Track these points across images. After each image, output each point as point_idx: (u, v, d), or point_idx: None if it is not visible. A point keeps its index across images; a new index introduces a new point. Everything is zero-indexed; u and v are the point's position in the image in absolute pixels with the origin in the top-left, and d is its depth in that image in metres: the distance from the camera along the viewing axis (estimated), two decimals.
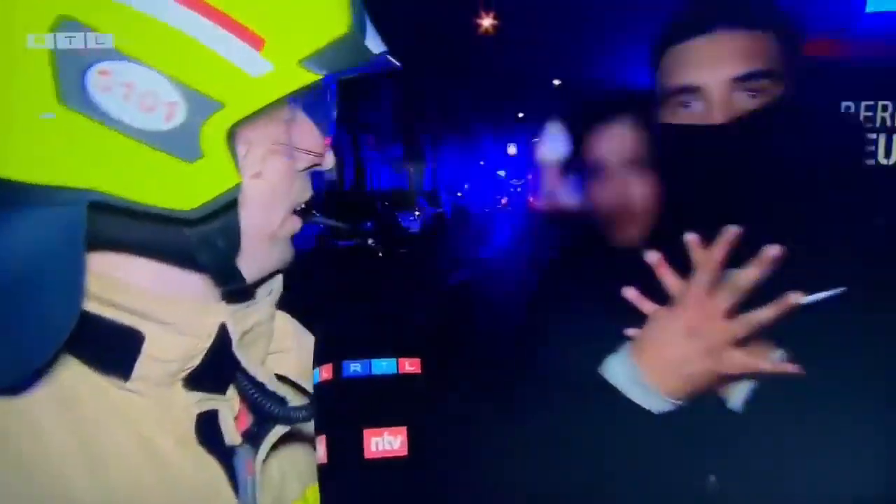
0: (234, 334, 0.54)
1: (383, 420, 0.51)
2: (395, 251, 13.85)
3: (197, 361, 0.53)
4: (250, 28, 0.47)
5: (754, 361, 0.72)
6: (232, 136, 0.48)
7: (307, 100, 0.58)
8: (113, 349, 0.51)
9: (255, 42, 0.47)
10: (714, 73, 0.81)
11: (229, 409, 0.56)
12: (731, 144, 0.78)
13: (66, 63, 0.43)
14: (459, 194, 36.52)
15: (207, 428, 0.54)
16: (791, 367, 0.72)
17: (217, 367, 0.54)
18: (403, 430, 0.51)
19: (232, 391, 0.58)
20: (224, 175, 0.47)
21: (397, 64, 0.58)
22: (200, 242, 0.50)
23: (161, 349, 0.51)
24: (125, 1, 0.45)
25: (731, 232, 0.73)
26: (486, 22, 22.78)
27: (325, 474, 0.52)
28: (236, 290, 0.56)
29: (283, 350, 0.61)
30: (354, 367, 0.52)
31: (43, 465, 0.48)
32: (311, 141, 0.56)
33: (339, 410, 0.52)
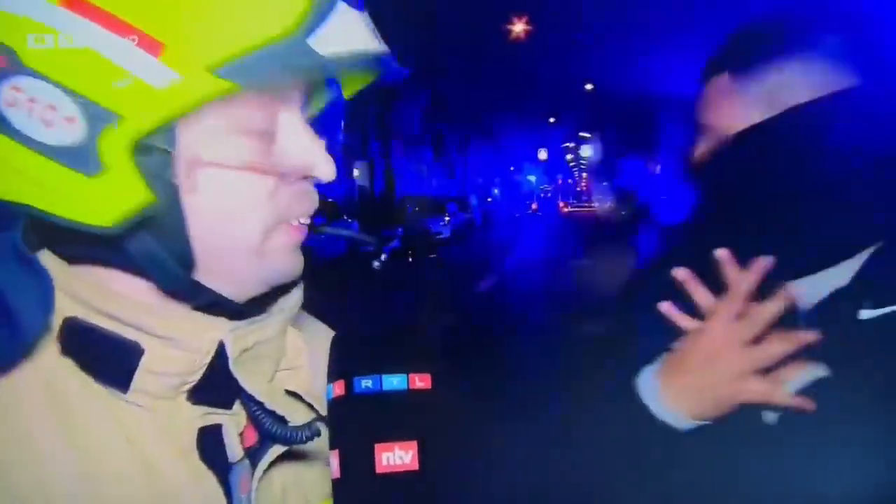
0: (232, 352, 0.53)
1: (394, 435, 0.51)
2: (425, 256, 13.90)
3: (198, 376, 0.52)
4: (146, 32, 0.43)
5: (771, 393, 0.71)
6: (148, 150, 0.46)
7: (306, 108, 0.55)
8: (111, 361, 0.51)
9: (153, 47, 0.43)
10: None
11: (234, 424, 0.55)
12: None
13: None
14: (489, 199, 36.51)
15: (210, 442, 0.54)
16: (806, 403, 0.70)
17: (219, 383, 0.53)
18: (414, 444, 0.51)
19: (239, 406, 0.56)
20: (132, 190, 0.45)
21: (403, 70, 0.54)
22: (145, 259, 0.49)
23: (159, 364, 0.51)
24: (20, 12, 0.43)
25: (766, 261, 0.72)
26: (518, 27, 22.76)
27: (339, 489, 0.52)
28: (240, 307, 0.54)
29: (294, 367, 0.59)
30: (366, 384, 0.52)
31: (29, 469, 0.48)
32: (296, 153, 0.53)
33: (351, 426, 0.52)
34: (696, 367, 0.72)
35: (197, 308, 0.53)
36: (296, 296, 0.60)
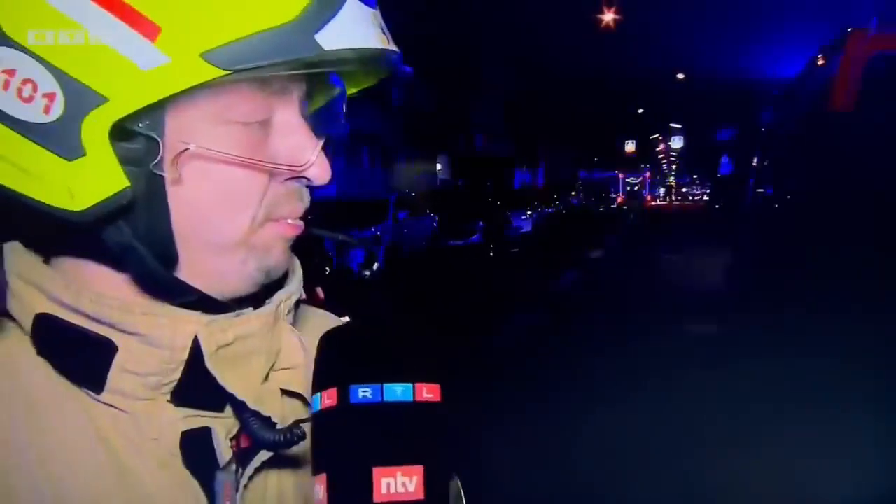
0: (207, 347, 0.49)
1: (396, 457, 0.43)
2: (506, 250, 13.80)
3: (177, 375, 0.49)
4: (144, 14, 0.42)
5: None
6: (133, 135, 0.44)
7: (306, 105, 0.52)
8: (84, 360, 0.49)
9: (150, 30, 0.42)
10: None
11: (223, 427, 0.52)
12: None
13: None
14: (573, 193, 35.89)
15: (195, 447, 0.50)
16: None
17: (201, 382, 0.50)
18: (420, 469, 0.42)
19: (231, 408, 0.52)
20: (109, 177, 0.43)
21: (406, 70, 0.51)
22: (123, 252, 0.47)
23: (134, 362, 0.48)
24: None
25: None
26: (608, 17, 22.16)
27: None
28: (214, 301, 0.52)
29: (293, 366, 0.55)
30: (364, 392, 0.44)
31: None
32: (289, 151, 0.50)
33: (344, 444, 0.43)
34: None
35: (192, 301, 0.50)
36: (290, 289, 0.56)
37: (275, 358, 0.55)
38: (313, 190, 0.54)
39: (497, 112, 24.68)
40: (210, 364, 0.49)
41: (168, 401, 0.50)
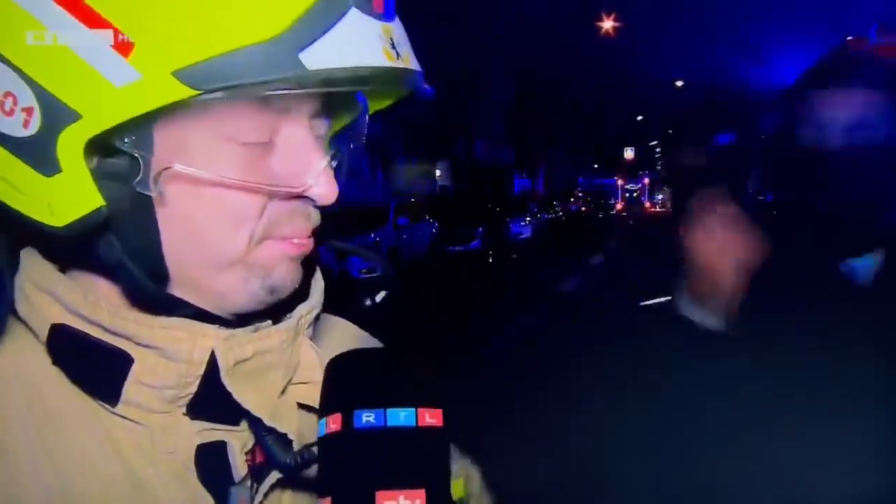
0: (224, 362, 0.49)
1: (399, 481, 0.44)
2: (505, 256, 13.80)
3: (193, 389, 0.49)
4: (119, 28, 0.40)
5: None
6: (118, 153, 0.43)
7: (324, 123, 0.51)
8: (100, 372, 0.48)
9: (123, 46, 0.40)
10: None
11: (239, 441, 0.51)
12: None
13: None
14: (572, 199, 35.90)
15: (210, 461, 0.50)
16: None
17: (218, 396, 0.49)
18: (422, 493, 0.43)
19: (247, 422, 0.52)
20: (83, 195, 0.42)
21: (426, 90, 0.49)
22: (115, 266, 0.46)
23: (150, 374, 0.48)
24: None
25: None
26: (607, 24, 22.23)
27: None
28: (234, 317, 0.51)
29: (311, 381, 0.54)
30: (367, 418, 0.45)
31: (6, 486, 0.45)
32: (291, 170, 0.49)
33: (349, 469, 0.45)
34: None
35: (189, 316, 0.50)
36: (311, 302, 0.55)
37: (292, 372, 0.54)
38: (324, 207, 0.52)
39: (498, 119, 24.70)
40: (226, 380, 0.49)
41: (184, 414, 0.50)
